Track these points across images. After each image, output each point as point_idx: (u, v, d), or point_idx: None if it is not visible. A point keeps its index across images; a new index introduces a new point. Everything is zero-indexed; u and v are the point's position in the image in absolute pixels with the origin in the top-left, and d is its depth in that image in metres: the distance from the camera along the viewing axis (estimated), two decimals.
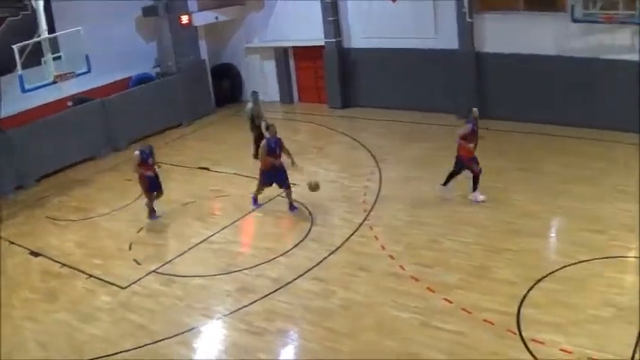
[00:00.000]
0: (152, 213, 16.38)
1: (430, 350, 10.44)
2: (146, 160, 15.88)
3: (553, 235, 14.58)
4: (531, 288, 11.79)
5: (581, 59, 19.83)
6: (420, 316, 11.33)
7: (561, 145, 18.96)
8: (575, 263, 12.60)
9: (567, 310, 11.10)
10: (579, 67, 19.82)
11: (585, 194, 15.57)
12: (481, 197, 15.61)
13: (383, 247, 13.98)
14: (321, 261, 13.65)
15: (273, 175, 15.92)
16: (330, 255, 13.87)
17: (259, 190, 16.43)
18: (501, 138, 20.06)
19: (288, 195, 16.11)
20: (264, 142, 15.92)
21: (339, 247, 14.16)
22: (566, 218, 14.80)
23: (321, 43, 24.56)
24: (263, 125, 19.20)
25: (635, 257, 12.77)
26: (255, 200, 16.62)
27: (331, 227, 15.20)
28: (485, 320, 10.94)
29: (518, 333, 10.52)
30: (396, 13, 22.78)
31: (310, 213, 15.86)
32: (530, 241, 13.63)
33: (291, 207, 16.11)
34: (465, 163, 15.55)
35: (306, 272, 13.24)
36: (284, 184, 16.04)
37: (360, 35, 24.04)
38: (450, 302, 11.62)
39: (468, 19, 21.15)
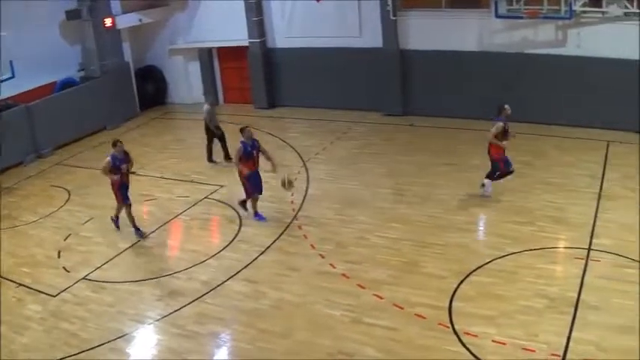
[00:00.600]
0: (136, 229, 15.17)
1: (363, 347, 10.39)
2: (118, 166, 14.59)
3: (481, 228, 14.76)
4: (462, 281, 11.89)
5: (505, 54, 20.26)
6: (352, 313, 11.27)
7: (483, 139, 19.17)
8: (505, 255, 12.77)
9: (498, 302, 11.22)
10: (504, 62, 20.23)
11: (511, 187, 15.79)
12: (489, 191, 15.40)
13: (312, 246, 13.87)
14: (251, 262, 13.47)
15: (256, 177, 14.94)
16: (259, 255, 13.70)
17: (252, 199, 15.20)
18: (426, 134, 20.29)
19: (255, 201, 15.31)
20: (239, 146, 14.67)
21: (268, 248, 14.00)
22: (493, 211, 14.98)
23: (246, 43, 24.35)
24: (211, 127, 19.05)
25: (563, 247, 13.11)
26: (256, 214, 15.34)
27: (260, 227, 14.98)
28: (417, 315, 10.95)
29: (450, 326, 10.58)
30: (320, 13, 22.75)
31: (239, 214, 15.60)
32: (458, 235, 13.75)
33: (258, 214, 15.31)
34: (495, 161, 15.29)
35: (236, 274, 13.03)
36: (259, 189, 15.18)
37: (285, 35, 23.93)
38: (381, 298, 11.59)
39: (392, 18, 21.30)
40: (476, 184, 15.88)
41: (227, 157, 19.07)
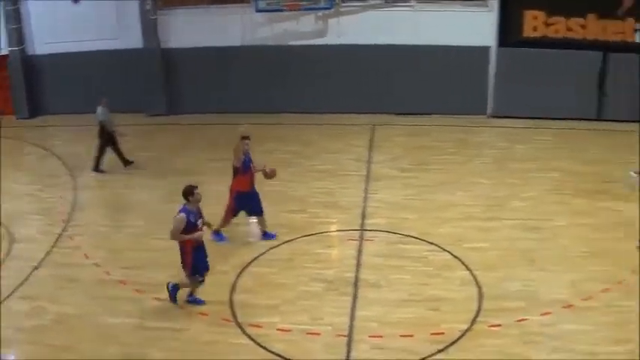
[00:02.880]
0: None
1: (150, 350, 10.18)
2: (194, 224, 10.99)
3: (255, 219, 15.01)
4: (240, 274, 12.01)
5: (268, 47, 20.80)
6: (135, 318, 11.00)
7: (258, 132, 19.49)
8: (280, 244, 13.11)
9: (279, 291, 11.49)
10: (267, 55, 20.75)
11: (282, 177, 16.23)
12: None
13: (86, 256, 13.31)
14: (27, 278, 12.62)
15: (249, 198, 13.31)
16: (34, 271, 12.88)
17: (227, 222, 13.47)
18: (194, 132, 20.24)
19: (262, 222, 13.66)
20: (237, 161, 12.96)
21: (42, 262, 13.21)
22: (265, 202, 15.24)
23: (5, 52, 22.79)
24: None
25: (337, 230, 13.79)
26: (218, 234, 13.40)
27: (32, 242, 14.10)
28: (200, 313, 10.90)
29: (234, 320, 10.62)
30: (78, 15, 21.82)
31: (8, 230, 14.54)
32: (233, 229, 13.79)
33: (266, 234, 13.66)
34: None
35: (13, 292, 12.12)
36: (259, 209, 13.52)
37: (45, 41, 22.67)
38: (162, 300, 11.38)
39: (152, 17, 21.04)
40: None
41: (126, 162, 17.79)
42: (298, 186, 15.96)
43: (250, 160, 13.07)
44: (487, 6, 20.26)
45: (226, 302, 11.14)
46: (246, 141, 12.84)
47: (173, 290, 11.28)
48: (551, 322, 10.56)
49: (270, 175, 13.45)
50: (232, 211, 13.29)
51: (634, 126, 20.00)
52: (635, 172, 13.37)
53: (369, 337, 10.20)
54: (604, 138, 19.59)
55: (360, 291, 11.45)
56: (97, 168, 17.63)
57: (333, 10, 20.09)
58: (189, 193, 10.87)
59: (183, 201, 10.78)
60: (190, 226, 10.70)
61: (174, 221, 10.65)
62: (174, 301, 11.25)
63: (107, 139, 17.57)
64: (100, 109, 17.47)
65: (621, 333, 10.38)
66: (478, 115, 20.82)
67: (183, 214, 10.68)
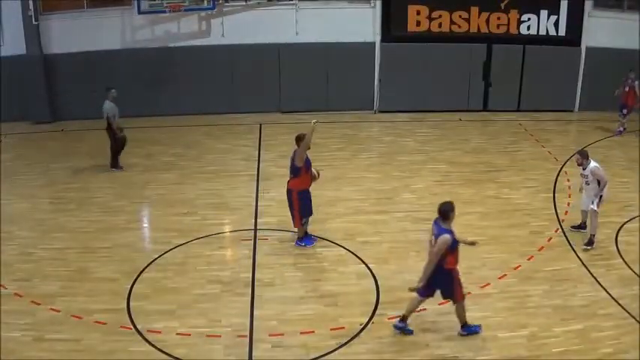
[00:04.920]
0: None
1: None
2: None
3: (145, 225, 15.13)
4: (135, 281, 12.04)
5: (151, 50, 20.85)
6: (32, 331, 10.79)
7: (142, 136, 19.58)
8: (173, 248, 13.23)
9: (175, 295, 11.61)
10: (150, 57, 20.78)
11: (169, 181, 16.51)
12: None
13: None
14: None
15: (309, 198, 13.21)
16: None
17: (300, 223, 13.30)
18: (78, 137, 19.95)
19: (306, 223, 13.60)
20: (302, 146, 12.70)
21: None
22: (153, 207, 15.48)
23: None
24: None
25: (230, 231, 14.09)
26: (306, 237, 13.52)
27: None
28: (96, 322, 10.84)
29: (132, 327, 10.66)
30: None
31: None
32: (123, 236, 13.85)
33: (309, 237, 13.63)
34: None
35: None
36: (311, 210, 13.40)
37: None
38: (58, 311, 11.25)
39: (35, 22, 20.60)
40: (133, 182, 16.35)
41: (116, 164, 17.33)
42: (186, 188, 16.14)
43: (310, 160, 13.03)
44: (370, 2, 21.02)
45: (123, 310, 11.15)
46: (304, 139, 12.69)
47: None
48: (449, 310, 10.99)
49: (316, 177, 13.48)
50: (300, 211, 13.14)
51: (516, 115, 21.44)
52: None
53: (270, 335, 10.48)
54: (488, 128, 20.84)
55: (257, 290, 11.75)
56: (115, 165, 17.46)
57: (215, 10, 20.34)
58: (451, 210, 10.18)
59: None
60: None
61: (441, 244, 9.99)
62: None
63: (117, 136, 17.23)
64: (108, 103, 17.06)
65: (520, 318, 11.12)
66: (365, 110, 21.63)
67: (448, 236, 10.00)
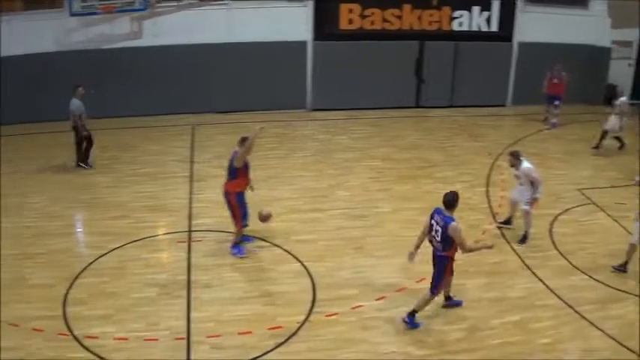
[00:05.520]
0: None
1: None
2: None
3: (79, 230, 15.09)
4: (71, 286, 12.04)
5: (84, 52, 20.58)
6: None
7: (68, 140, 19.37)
8: (108, 252, 13.27)
9: (112, 300, 11.66)
10: (83, 60, 20.48)
11: (103, 184, 16.53)
12: None
13: None
14: None
15: (244, 200, 13.25)
16: None
17: (240, 226, 13.27)
18: (12, 142, 19.53)
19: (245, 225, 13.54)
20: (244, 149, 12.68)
21: None
22: (88, 211, 15.41)
23: None
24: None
25: (165, 234, 14.25)
26: (238, 247, 13.44)
27: None
28: (34, 329, 10.83)
29: (70, 333, 10.70)
30: None
31: None
32: (58, 241, 13.80)
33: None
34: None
35: None
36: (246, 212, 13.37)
37: None
38: None
39: None
40: (69, 186, 16.40)
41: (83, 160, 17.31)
42: (120, 191, 16.14)
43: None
44: (302, 0, 21.26)
45: (59, 316, 11.15)
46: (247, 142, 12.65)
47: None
48: (386, 306, 11.47)
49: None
50: (240, 213, 13.10)
51: (449, 111, 21.98)
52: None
53: (208, 337, 10.65)
54: (421, 124, 21.35)
55: (194, 292, 11.89)
56: (84, 162, 17.50)
57: (147, 11, 20.29)
58: (456, 199, 10.76)
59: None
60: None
61: (458, 232, 10.53)
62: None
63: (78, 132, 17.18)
64: (74, 101, 17.02)
65: (458, 311, 11.56)
66: (298, 109, 21.89)
67: (457, 224, 10.55)
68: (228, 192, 13.00)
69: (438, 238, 10.64)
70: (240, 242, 13.40)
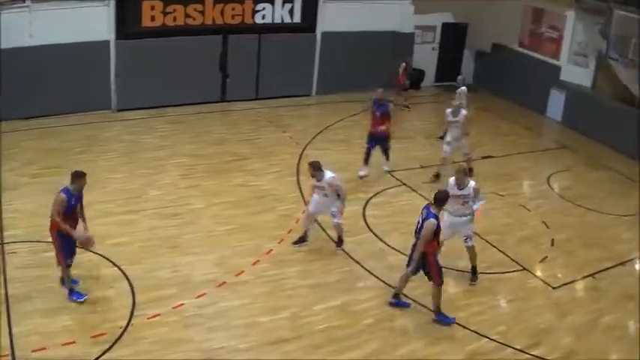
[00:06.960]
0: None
1: None
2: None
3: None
4: None
5: None
6: None
7: None
8: None
9: None
10: None
11: None
12: None
13: None
14: None
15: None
16: None
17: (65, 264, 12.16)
18: None
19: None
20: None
21: None
22: None
23: None
24: None
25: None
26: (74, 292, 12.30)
27: None
28: None
29: None
30: None
31: None
32: None
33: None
34: None
35: None
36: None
37: None
38: None
39: None
40: None
41: None
42: None
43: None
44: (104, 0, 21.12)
45: None
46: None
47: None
48: (207, 302, 12.03)
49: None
50: (62, 250, 12.04)
51: (254, 103, 22.76)
52: None
53: (33, 351, 10.59)
54: (227, 118, 22.01)
55: (13, 306, 11.70)
56: None
57: None
58: (446, 198, 11.75)
59: None
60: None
61: (428, 229, 11.43)
62: None
63: None
64: None
65: (279, 301, 12.34)
66: (104, 110, 21.82)
67: (434, 220, 11.40)
68: (52, 227, 12.05)
69: (419, 232, 11.54)
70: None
